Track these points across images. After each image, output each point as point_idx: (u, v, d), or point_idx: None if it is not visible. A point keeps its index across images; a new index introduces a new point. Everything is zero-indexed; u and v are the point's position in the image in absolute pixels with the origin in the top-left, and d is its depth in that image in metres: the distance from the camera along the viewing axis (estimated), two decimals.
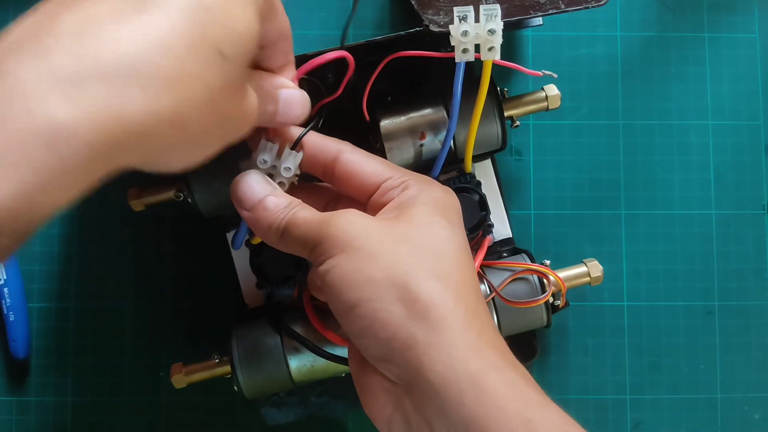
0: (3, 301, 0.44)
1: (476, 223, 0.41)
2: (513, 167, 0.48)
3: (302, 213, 0.33)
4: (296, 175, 0.35)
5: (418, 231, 0.31)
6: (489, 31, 0.34)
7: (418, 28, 0.37)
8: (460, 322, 0.29)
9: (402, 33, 0.38)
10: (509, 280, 0.41)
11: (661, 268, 0.47)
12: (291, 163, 0.34)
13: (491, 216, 0.42)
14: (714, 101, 0.49)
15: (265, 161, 0.34)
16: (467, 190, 0.41)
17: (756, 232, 0.48)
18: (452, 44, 0.35)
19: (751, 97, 0.49)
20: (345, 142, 0.36)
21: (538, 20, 0.44)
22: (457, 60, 0.35)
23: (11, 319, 0.44)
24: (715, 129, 0.48)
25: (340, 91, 0.39)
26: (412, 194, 0.33)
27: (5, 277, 0.44)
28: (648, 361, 0.47)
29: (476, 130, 0.39)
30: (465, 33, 0.34)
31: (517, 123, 0.43)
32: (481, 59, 0.35)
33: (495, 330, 0.31)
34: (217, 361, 0.41)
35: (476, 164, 0.43)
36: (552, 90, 0.43)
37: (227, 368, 0.41)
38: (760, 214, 0.48)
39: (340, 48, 0.37)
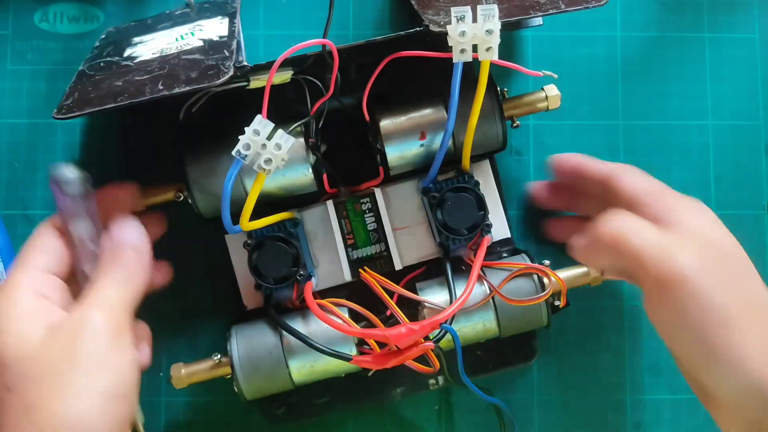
0: None
1: (474, 223, 0.41)
2: (513, 167, 0.48)
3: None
4: (283, 160, 0.34)
5: None
6: (486, 31, 0.34)
7: (418, 29, 0.37)
8: None
9: (402, 33, 0.38)
10: (509, 278, 0.41)
11: None
12: (282, 140, 0.34)
13: (490, 216, 0.42)
14: (714, 101, 0.49)
15: (257, 132, 0.34)
16: (465, 189, 0.41)
17: (756, 232, 0.48)
18: (450, 45, 0.35)
19: (751, 97, 0.49)
20: None
21: (538, 20, 0.44)
22: (454, 60, 0.35)
23: None
24: (715, 129, 0.48)
25: (331, 90, 0.39)
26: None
27: (5, 277, 0.44)
28: (648, 362, 0.47)
29: (474, 129, 0.39)
30: (462, 33, 0.34)
31: (517, 123, 0.43)
32: (479, 59, 0.35)
33: None
34: (217, 361, 0.41)
35: (475, 164, 0.43)
36: (552, 90, 0.43)
37: (227, 369, 0.41)
38: (760, 215, 0.48)
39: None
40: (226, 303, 0.45)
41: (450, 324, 0.39)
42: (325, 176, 0.42)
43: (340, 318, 0.40)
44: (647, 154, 0.48)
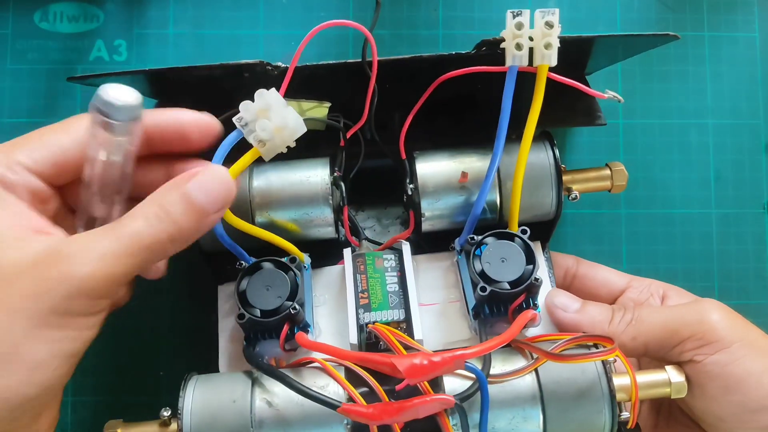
0: None
1: (520, 276, 0.33)
2: None
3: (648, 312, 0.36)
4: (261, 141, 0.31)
5: None
6: (546, 24, 0.30)
7: (470, 51, 0.34)
8: None
9: (452, 53, 0.34)
10: (561, 347, 0.33)
11: (661, 267, 0.47)
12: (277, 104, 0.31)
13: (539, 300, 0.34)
14: (714, 100, 0.49)
15: (241, 118, 0.31)
16: (511, 237, 0.34)
17: (756, 231, 0.48)
18: (503, 45, 0.30)
19: (750, 96, 0.49)
20: None
21: None
22: (508, 64, 0.31)
23: None
24: (715, 128, 0.48)
25: (366, 114, 0.35)
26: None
27: None
28: None
29: (525, 165, 0.33)
30: (519, 25, 0.30)
31: (576, 195, 0.39)
32: (534, 64, 0.31)
33: None
34: (163, 420, 0.34)
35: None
36: (617, 166, 0.39)
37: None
38: (759, 213, 0.48)
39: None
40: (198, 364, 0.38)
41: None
42: (347, 223, 0.38)
43: (335, 378, 0.33)
44: (647, 154, 0.48)
